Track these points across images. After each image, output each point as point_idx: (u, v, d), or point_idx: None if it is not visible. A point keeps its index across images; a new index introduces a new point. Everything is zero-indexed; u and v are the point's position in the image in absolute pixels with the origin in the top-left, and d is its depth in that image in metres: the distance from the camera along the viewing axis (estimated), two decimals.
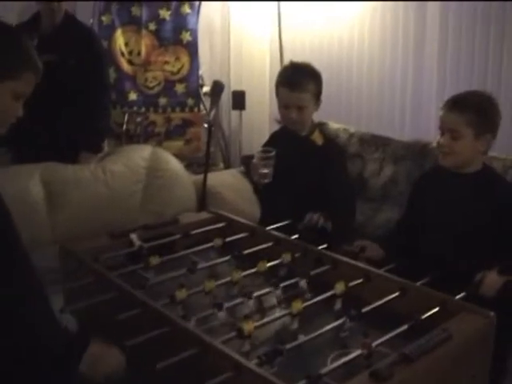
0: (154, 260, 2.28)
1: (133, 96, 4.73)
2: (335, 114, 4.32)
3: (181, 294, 1.98)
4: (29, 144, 3.64)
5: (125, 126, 4.68)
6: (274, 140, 3.04)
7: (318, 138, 2.92)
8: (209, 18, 4.77)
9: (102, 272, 2.18)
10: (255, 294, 2.04)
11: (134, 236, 2.49)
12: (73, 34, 3.67)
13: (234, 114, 4.81)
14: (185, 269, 2.22)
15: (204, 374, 1.62)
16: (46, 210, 3.44)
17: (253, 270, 2.21)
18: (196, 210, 3.71)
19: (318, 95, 2.83)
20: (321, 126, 3.05)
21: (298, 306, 1.91)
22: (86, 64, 3.65)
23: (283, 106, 2.83)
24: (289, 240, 2.46)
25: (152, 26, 4.61)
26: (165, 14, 4.58)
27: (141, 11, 4.61)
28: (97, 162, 3.72)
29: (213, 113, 3.63)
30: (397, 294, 2.02)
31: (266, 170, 2.71)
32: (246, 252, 2.38)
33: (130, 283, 2.10)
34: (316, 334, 1.80)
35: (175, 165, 3.94)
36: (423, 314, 1.89)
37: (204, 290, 2.06)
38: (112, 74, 4.65)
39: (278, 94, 2.87)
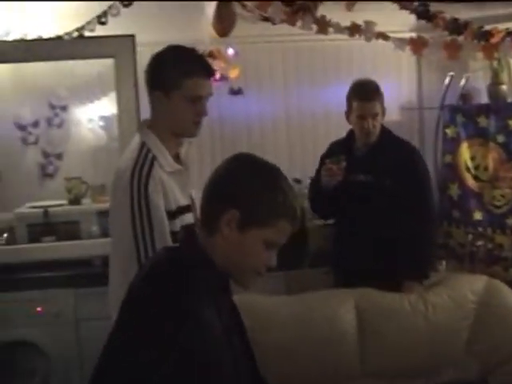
0: None
1: (478, 215, 4.23)
2: None
3: None
4: (350, 266, 3.45)
5: (468, 248, 4.21)
6: None
7: None
8: None
9: None
10: None
11: None
12: (390, 153, 3.37)
13: None
14: None
15: None
16: (357, 340, 3.16)
17: None
18: None
19: None
20: None
21: None
22: (406, 185, 3.31)
23: None
24: None
25: (500, 139, 4.07)
26: None
27: (488, 122, 4.14)
28: (420, 291, 3.33)
29: None
30: None
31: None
32: None
33: None
34: None
35: None
36: None
37: None
38: (456, 190, 4.29)
39: None
